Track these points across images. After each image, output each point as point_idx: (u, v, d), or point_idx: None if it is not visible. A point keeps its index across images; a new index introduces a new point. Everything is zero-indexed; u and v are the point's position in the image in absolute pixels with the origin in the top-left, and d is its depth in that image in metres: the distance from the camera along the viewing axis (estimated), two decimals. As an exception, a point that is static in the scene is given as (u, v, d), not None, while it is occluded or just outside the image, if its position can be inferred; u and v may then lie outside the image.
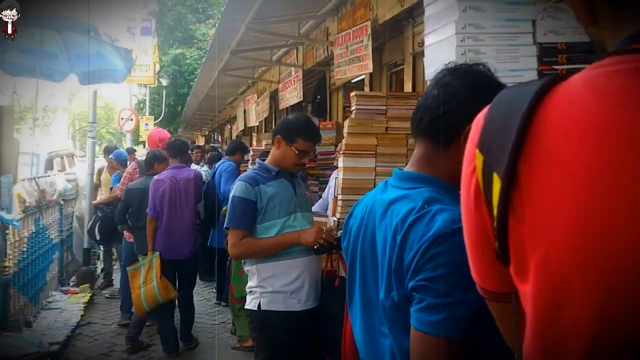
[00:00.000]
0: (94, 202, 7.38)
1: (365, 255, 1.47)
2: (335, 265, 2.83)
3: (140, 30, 17.39)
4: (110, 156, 7.37)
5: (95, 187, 7.84)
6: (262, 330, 2.79)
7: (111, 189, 7.03)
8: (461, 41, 1.69)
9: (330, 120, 8.18)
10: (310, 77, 8.57)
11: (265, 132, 12.60)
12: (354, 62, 5.69)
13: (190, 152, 6.97)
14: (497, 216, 0.72)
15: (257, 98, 10.73)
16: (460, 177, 1.36)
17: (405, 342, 1.32)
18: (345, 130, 4.36)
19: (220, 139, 20.88)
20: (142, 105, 22.57)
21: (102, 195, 7.44)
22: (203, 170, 7.82)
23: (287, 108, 9.75)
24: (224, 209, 5.84)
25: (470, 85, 1.32)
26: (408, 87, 5.47)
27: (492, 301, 0.85)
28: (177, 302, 5.25)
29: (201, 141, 27.38)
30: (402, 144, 4.38)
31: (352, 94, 4.45)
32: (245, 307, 2.84)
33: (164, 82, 20.64)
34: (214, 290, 7.33)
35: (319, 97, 8.32)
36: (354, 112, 4.35)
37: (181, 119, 21.37)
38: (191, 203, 5.12)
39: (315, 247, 2.67)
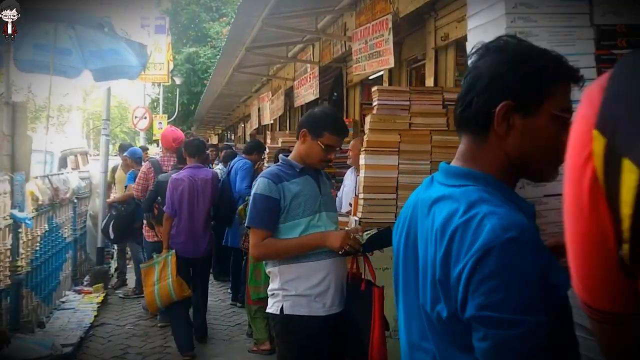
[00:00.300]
0: (107, 200, 7.28)
1: (408, 259, 1.32)
2: (360, 267, 2.67)
3: (155, 28, 17.35)
4: (125, 154, 7.27)
5: (109, 186, 7.74)
6: (284, 335, 2.64)
7: (126, 187, 6.93)
8: (511, 22, 1.53)
9: (347, 117, 8.04)
10: (326, 74, 8.43)
11: (279, 130, 12.50)
12: (373, 57, 5.54)
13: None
14: (631, 215, 0.55)
15: (272, 96, 10.61)
16: (508, 169, 1.20)
17: (455, 358, 1.16)
18: (366, 126, 4.20)
19: (233, 138, 20.79)
20: (155, 104, 22.56)
21: (116, 194, 7.34)
22: (218, 168, 7.70)
23: (302, 106, 9.63)
24: (240, 207, 5.72)
25: (498, 61, 1.16)
26: (430, 83, 5.30)
27: (603, 322, 0.69)
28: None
29: (214, 140, 27.36)
30: (426, 141, 4.21)
31: (374, 88, 4.29)
32: (267, 310, 2.69)
33: (178, 81, 20.64)
34: (229, 290, 7.21)
35: (335, 94, 8.18)
36: (375, 107, 4.19)
37: (194, 118, 21.32)
38: (207, 203, 5.15)
39: (340, 252, 2.52)
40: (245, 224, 2.68)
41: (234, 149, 10.05)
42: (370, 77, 7.49)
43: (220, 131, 27.07)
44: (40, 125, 29.17)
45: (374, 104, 4.24)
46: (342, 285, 2.64)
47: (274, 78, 10.63)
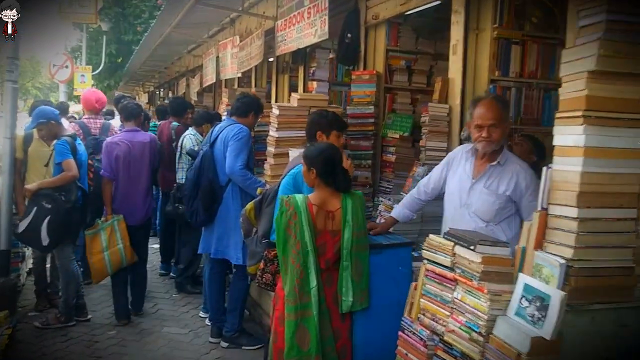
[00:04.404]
0: (30, 187, 4.59)
1: None
2: None
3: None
4: (42, 120, 4.65)
5: (17, 169, 4.99)
6: None
7: (59, 164, 4.39)
8: None
9: (365, 69, 5.83)
10: (331, 8, 6.09)
11: (239, 86, 9.99)
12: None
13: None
14: None
15: (240, 41, 8.16)
16: None
17: None
18: (577, 67, 2.04)
19: (171, 96, 17.95)
20: (77, 53, 19.23)
21: (45, 179, 4.63)
22: (191, 135, 5.31)
23: (285, 55, 7.29)
24: (248, 207, 3.41)
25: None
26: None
27: None
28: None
29: (144, 98, 24.37)
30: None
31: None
32: None
33: (104, 27, 17.56)
34: (201, 314, 4.96)
35: (349, 35, 5.89)
36: (602, 27, 2.01)
37: (124, 71, 18.27)
38: (146, 168, 4.96)
39: None
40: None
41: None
42: (408, 12, 5.27)
43: (151, 88, 23.91)
44: None
45: (594, 20, 2.05)
46: None
47: (247, 15, 8.16)
